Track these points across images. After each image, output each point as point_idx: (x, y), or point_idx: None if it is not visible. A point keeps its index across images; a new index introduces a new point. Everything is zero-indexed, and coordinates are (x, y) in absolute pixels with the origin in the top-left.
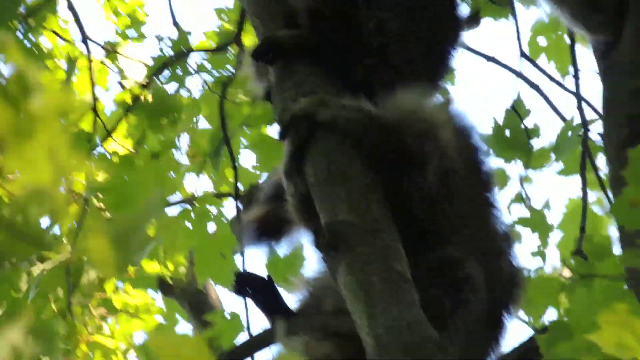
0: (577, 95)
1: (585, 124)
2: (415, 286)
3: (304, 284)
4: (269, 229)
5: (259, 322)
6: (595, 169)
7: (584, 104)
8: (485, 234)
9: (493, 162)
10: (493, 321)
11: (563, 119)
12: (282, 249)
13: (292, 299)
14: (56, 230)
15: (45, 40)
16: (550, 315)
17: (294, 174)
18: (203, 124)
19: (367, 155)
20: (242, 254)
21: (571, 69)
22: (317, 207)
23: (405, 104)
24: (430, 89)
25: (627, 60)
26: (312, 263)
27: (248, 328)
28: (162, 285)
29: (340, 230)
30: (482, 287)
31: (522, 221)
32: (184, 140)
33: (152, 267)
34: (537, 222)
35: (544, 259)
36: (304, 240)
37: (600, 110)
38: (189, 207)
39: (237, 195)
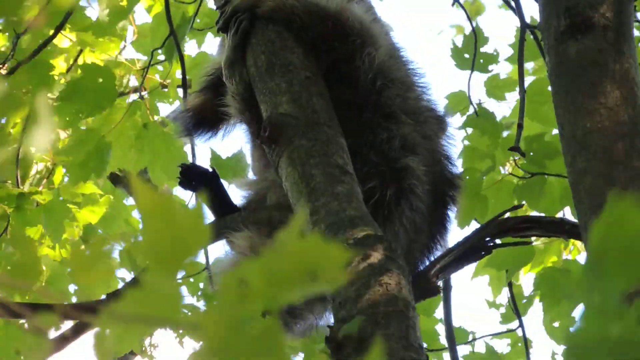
0: None
1: (521, 14)
2: (357, 179)
3: (248, 184)
4: (206, 119)
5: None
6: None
7: None
8: (421, 113)
9: None
10: (437, 211)
11: (512, 8)
12: (217, 141)
13: (236, 196)
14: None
15: None
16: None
17: (235, 65)
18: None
19: (312, 43)
20: (193, 150)
21: None
22: (258, 99)
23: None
24: None
25: None
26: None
27: None
28: (111, 175)
29: (281, 122)
30: (422, 178)
31: (470, 122)
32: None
33: None
34: (487, 123)
35: (494, 160)
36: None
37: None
38: (138, 99)
39: (184, 85)
